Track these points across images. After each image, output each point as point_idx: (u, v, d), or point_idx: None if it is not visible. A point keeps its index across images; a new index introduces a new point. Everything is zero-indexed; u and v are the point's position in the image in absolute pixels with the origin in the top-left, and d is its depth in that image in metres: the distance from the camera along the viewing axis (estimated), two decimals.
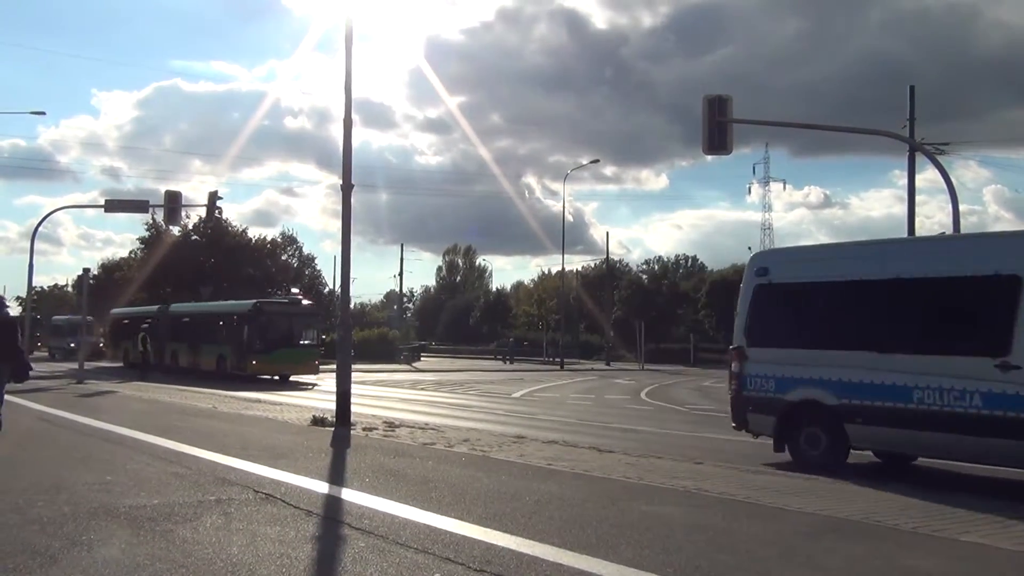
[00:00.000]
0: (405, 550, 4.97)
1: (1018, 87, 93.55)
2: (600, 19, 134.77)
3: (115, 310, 42.69)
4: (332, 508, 6.27)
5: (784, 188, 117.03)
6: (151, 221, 50.41)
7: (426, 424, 13.14)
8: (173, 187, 60.78)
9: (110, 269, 58.81)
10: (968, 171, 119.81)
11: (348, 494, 6.79)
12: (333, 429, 11.88)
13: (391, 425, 12.59)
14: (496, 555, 4.87)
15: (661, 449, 11.01)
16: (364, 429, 11.85)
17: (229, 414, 14.54)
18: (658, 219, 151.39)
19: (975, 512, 6.74)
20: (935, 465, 10.49)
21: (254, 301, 31.87)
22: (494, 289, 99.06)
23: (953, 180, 20.17)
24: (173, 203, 28.71)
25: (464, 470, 8.32)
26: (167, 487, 6.99)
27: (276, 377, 30.41)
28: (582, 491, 7.22)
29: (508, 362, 54.58)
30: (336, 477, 7.77)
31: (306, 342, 30.96)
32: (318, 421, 12.64)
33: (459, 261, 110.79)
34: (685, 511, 6.42)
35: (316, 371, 30.26)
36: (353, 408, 13.05)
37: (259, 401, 17.97)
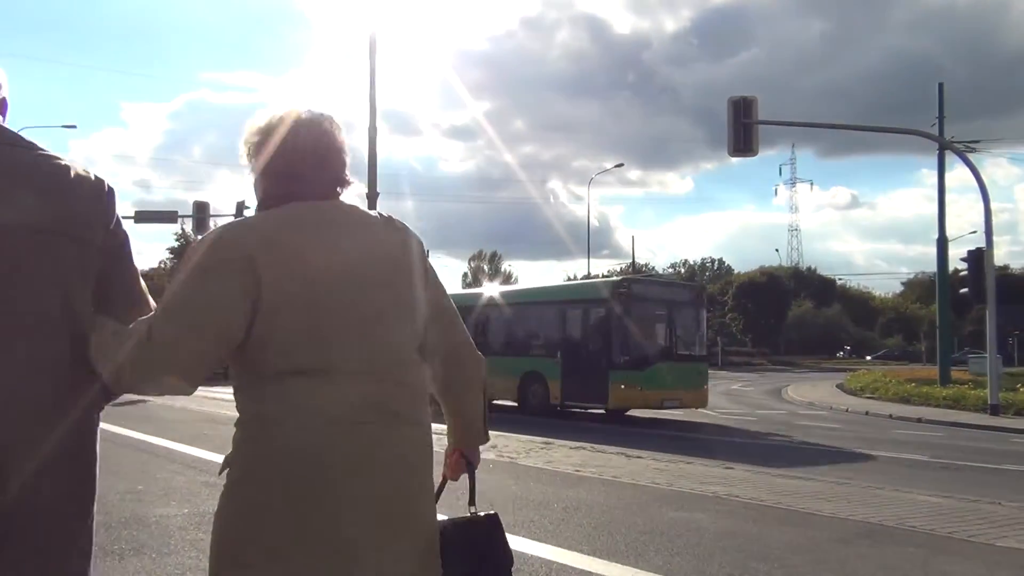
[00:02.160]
0: None
1: None
2: (622, 24, 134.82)
3: None
4: None
5: (811, 189, 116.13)
6: (180, 231, 51.02)
7: None
8: (202, 197, 61.72)
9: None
10: (999, 169, 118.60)
11: None
12: None
13: None
14: (525, 563, 4.84)
15: (689, 452, 10.92)
16: None
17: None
18: (684, 222, 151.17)
19: (1008, 515, 6.62)
20: (963, 462, 10.32)
21: (619, 278, 20.60)
22: None
23: (984, 178, 19.91)
24: (201, 213, 29.11)
25: (492, 476, 8.30)
26: (197, 496, 7.04)
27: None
28: (611, 497, 7.18)
29: None
30: None
31: (691, 351, 18.42)
32: None
33: (485, 267, 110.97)
34: (715, 517, 6.36)
35: (706, 400, 18.26)
36: None
37: None
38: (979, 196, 19.89)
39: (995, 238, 20.09)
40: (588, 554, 5.04)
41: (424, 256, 1.93)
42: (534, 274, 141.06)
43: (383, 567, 1.72)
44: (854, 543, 5.57)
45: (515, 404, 18.64)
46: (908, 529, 5.99)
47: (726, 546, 5.37)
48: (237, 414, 1.81)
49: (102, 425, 1.91)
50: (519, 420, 15.92)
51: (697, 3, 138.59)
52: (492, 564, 2.02)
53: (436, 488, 1.95)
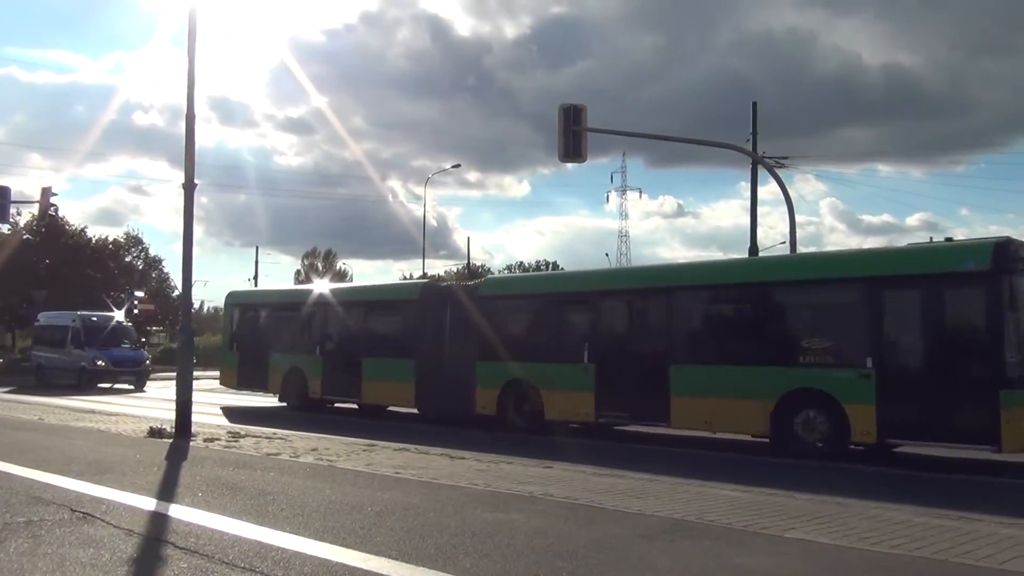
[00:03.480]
0: (231, 569, 4.70)
1: (852, 107, 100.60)
2: (463, 27, 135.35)
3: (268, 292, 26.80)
4: (156, 527, 5.86)
5: (640, 197, 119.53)
6: None
7: (274, 434, 12.65)
8: (5, 182, 56.59)
9: None
10: (807, 184, 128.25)
11: (176, 510, 6.39)
12: (171, 441, 11.26)
13: (235, 435, 12.05)
14: (329, 570, 4.68)
15: (510, 452, 11.02)
16: (205, 440, 11.28)
17: (56, 426, 13.53)
18: (520, 225, 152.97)
19: (799, 508, 7.08)
20: (767, 459, 10.99)
21: (998, 239, 10.87)
22: None
23: (792, 192, 21.40)
24: (1, 199, 26.56)
25: (307, 481, 8.03)
26: None
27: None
28: (427, 500, 7.10)
29: None
30: (166, 492, 7.31)
31: None
32: (155, 432, 11.94)
33: (319, 264, 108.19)
34: (528, 517, 6.41)
35: None
36: (197, 418, 12.45)
37: (92, 412, 16.86)
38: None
39: (800, 248, 21.66)
40: (397, 559, 4.93)
41: None
42: (369, 274, 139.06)
43: None
44: (657, 538, 5.77)
45: (764, 440, 12.32)
46: (707, 523, 6.27)
47: (536, 546, 5.41)
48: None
49: None
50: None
51: (537, 11, 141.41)
52: None
53: None
